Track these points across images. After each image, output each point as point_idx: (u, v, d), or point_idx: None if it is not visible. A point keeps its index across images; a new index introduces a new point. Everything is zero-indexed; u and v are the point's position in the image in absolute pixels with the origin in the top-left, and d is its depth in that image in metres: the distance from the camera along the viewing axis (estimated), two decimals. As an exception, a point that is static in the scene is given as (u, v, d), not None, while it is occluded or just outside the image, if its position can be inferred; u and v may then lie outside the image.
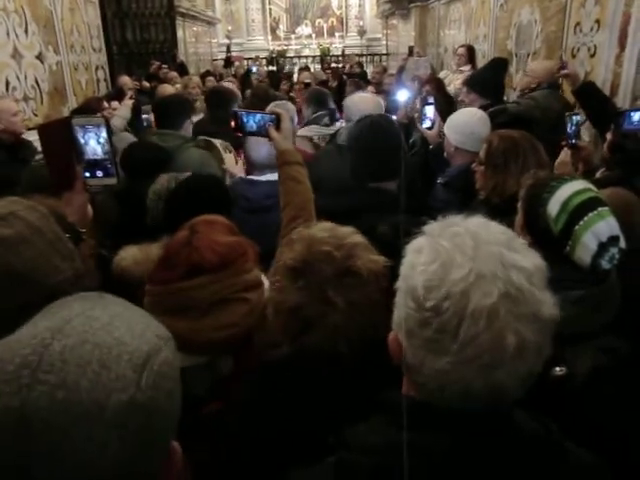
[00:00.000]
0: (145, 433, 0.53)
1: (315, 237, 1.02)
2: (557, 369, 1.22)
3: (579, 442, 0.79)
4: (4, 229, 0.89)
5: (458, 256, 0.65)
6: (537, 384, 1.21)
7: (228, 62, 8.95)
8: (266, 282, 1.22)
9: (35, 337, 0.53)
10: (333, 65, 10.15)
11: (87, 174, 1.35)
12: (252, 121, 1.68)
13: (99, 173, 1.35)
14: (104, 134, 1.33)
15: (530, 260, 0.67)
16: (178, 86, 5.11)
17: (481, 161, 1.99)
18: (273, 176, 1.87)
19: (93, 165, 1.34)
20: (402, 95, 3.49)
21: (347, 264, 0.97)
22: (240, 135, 1.81)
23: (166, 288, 1.11)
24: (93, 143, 1.32)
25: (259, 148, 2.11)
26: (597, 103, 2.66)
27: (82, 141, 1.32)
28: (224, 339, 1.10)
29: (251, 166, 2.28)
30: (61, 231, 1.00)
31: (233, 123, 1.71)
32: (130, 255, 1.45)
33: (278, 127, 1.65)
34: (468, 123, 2.48)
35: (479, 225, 0.70)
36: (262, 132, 1.67)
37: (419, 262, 0.68)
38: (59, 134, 1.31)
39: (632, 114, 1.98)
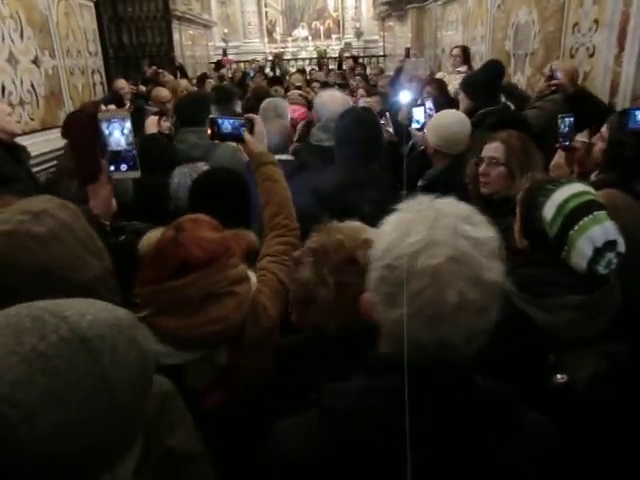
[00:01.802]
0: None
1: (337, 228, 1.17)
2: (559, 376, 1.20)
3: (581, 446, 0.82)
4: (36, 226, 0.90)
5: (417, 226, 0.76)
6: (539, 391, 1.21)
7: (219, 65, 8.91)
8: (253, 277, 1.29)
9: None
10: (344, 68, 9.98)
11: (112, 167, 1.38)
12: (227, 126, 1.78)
13: (123, 167, 1.39)
14: (128, 125, 1.35)
15: (482, 232, 0.77)
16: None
17: (498, 161, 1.95)
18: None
19: (117, 158, 1.37)
20: (404, 96, 3.48)
21: (352, 254, 1.09)
22: (216, 141, 1.93)
23: (157, 288, 1.14)
24: (117, 134, 1.35)
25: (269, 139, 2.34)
26: (590, 108, 2.64)
27: (107, 132, 1.35)
28: (217, 332, 1.15)
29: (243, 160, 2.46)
30: (91, 229, 1.03)
31: (209, 130, 1.79)
32: (155, 236, 1.51)
33: (252, 131, 1.76)
34: (446, 125, 2.47)
35: (445, 202, 0.81)
36: (237, 136, 1.78)
37: (385, 231, 0.81)
38: (86, 127, 1.35)
39: (636, 113, 1.92)
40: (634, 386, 1.14)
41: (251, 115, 1.84)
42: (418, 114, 3.05)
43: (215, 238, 1.21)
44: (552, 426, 0.84)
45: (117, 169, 1.39)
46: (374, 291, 0.81)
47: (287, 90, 6.62)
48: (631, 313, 1.28)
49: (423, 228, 0.75)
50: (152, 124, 3.14)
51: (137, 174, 1.42)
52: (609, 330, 1.25)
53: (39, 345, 0.56)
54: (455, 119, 2.50)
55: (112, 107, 3.76)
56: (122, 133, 1.36)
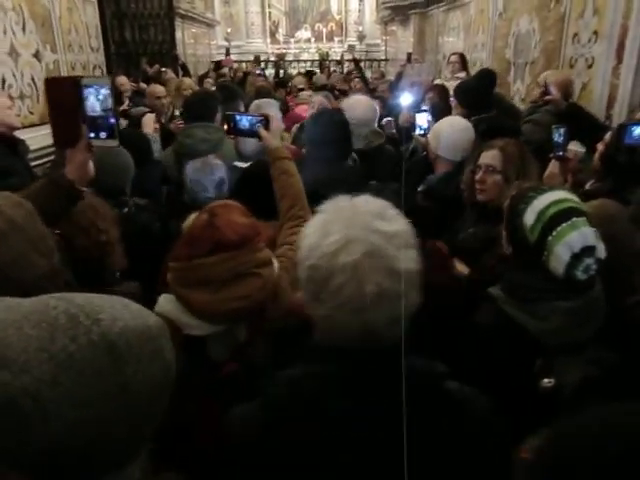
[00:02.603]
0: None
1: None
2: (546, 381, 1.22)
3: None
4: None
5: (335, 225, 0.83)
6: (527, 395, 1.22)
7: (218, 66, 8.87)
8: (275, 262, 1.38)
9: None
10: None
11: (92, 134, 1.37)
12: (244, 122, 1.88)
13: (102, 134, 1.38)
14: (104, 91, 1.34)
15: (393, 226, 0.83)
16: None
17: (495, 169, 1.96)
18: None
19: (95, 124, 1.36)
20: (405, 99, 3.50)
21: None
22: (233, 137, 2.05)
23: (189, 264, 1.22)
24: (92, 99, 1.34)
25: (246, 142, 2.62)
26: (584, 122, 2.66)
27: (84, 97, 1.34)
28: (240, 309, 1.23)
29: (240, 156, 2.70)
30: (45, 229, 1.04)
31: (226, 125, 1.90)
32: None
33: (267, 127, 1.84)
34: (450, 132, 2.48)
35: (362, 200, 0.88)
36: (253, 132, 1.86)
37: (308, 232, 0.87)
38: (67, 91, 1.32)
39: (632, 128, 1.92)
40: (621, 392, 1.16)
41: (267, 112, 1.94)
42: (421, 120, 3.06)
43: (247, 223, 1.31)
44: (482, 401, 0.89)
45: (97, 136, 1.38)
46: (304, 291, 0.88)
47: (289, 93, 6.64)
48: (619, 319, 1.30)
49: (341, 227, 0.82)
50: (149, 122, 3.16)
51: (115, 143, 1.40)
52: (597, 336, 1.27)
53: (70, 346, 0.57)
54: (458, 126, 2.51)
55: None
56: (97, 99, 1.34)
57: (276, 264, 1.38)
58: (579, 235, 1.23)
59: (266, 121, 1.84)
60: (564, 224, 1.24)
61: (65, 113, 1.34)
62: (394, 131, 3.52)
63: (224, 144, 2.77)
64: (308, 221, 1.07)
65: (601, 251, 1.24)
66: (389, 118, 3.73)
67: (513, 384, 1.19)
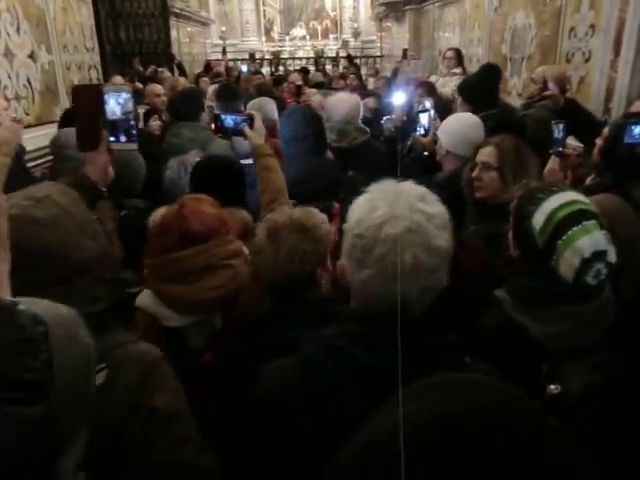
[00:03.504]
0: None
1: (285, 209, 1.50)
2: (552, 387, 1.19)
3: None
4: (39, 210, 1.00)
5: (381, 203, 0.93)
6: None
7: (207, 68, 8.75)
8: (246, 251, 1.45)
9: None
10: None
11: (112, 138, 1.44)
12: (229, 122, 1.99)
13: (122, 138, 1.45)
14: (124, 95, 1.41)
15: (434, 208, 0.94)
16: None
17: (490, 166, 1.95)
18: (248, 161, 2.32)
19: (115, 128, 1.43)
20: (398, 98, 3.49)
21: (300, 222, 1.37)
22: (220, 136, 2.12)
23: (162, 259, 1.29)
24: (112, 103, 1.41)
25: (241, 142, 2.57)
26: (581, 119, 2.65)
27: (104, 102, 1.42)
28: (213, 299, 1.30)
29: (236, 155, 2.74)
30: (90, 214, 1.13)
31: (214, 125, 2.01)
32: (160, 213, 1.69)
33: (252, 126, 1.95)
34: (460, 127, 2.47)
35: (405, 184, 0.98)
36: (238, 131, 1.99)
37: (356, 207, 0.97)
38: (91, 97, 1.40)
39: (633, 127, 1.87)
40: (627, 398, 1.14)
41: (251, 112, 2.05)
42: (424, 120, 3.01)
43: (214, 214, 1.37)
44: (489, 369, 0.98)
45: (117, 140, 1.44)
46: (347, 257, 0.97)
47: (285, 90, 6.60)
48: (625, 323, 1.27)
49: (386, 205, 0.92)
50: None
51: (134, 146, 1.47)
52: (603, 341, 1.24)
53: None
54: (471, 122, 2.51)
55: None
56: (117, 102, 1.40)
57: (246, 252, 1.45)
58: (590, 239, 1.20)
59: (250, 120, 1.96)
60: (574, 228, 1.21)
61: (88, 118, 1.40)
62: (393, 129, 3.50)
63: (211, 143, 2.75)
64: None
65: (612, 255, 1.21)
66: (389, 116, 3.70)
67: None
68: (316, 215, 1.43)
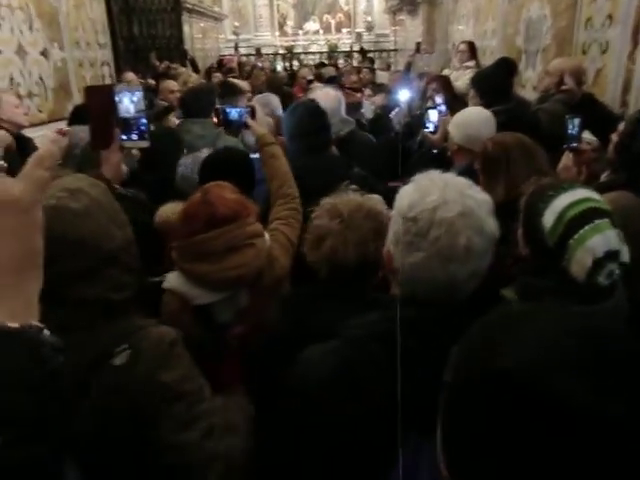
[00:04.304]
0: None
1: (341, 197, 1.46)
2: None
3: (589, 463, 0.79)
4: (73, 202, 1.03)
5: (432, 189, 0.97)
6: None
7: (220, 65, 8.76)
8: (266, 234, 1.54)
9: None
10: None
11: (123, 136, 1.48)
12: (233, 114, 2.07)
13: (134, 136, 1.49)
14: (138, 94, 1.46)
15: (481, 196, 0.99)
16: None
17: (477, 166, 1.96)
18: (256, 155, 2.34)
19: (127, 126, 1.47)
20: (403, 95, 3.45)
21: (359, 203, 1.40)
22: (223, 128, 2.19)
23: (189, 241, 1.37)
24: (126, 101, 1.45)
25: (250, 135, 2.57)
26: (597, 113, 2.58)
27: (117, 100, 1.46)
28: (238, 277, 1.38)
29: (247, 148, 2.74)
30: (118, 205, 1.17)
31: (216, 118, 2.09)
32: (169, 208, 1.80)
33: (253, 117, 2.05)
34: (473, 122, 2.44)
35: (449, 175, 1.04)
36: (241, 123, 2.06)
37: (406, 193, 1.00)
38: (103, 97, 1.44)
39: None
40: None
41: (252, 103, 2.22)
42: (433, 116, 2.99)
43: (236, 198, 1.45)
44: None
45: (128, 138, 1.48)
46: (395, 243, 0.99)
47: (295, 84, 6.58)
48: (638, 322, 1.24)
49: (437, 190, 0.95)
50: None
51: (146, 144, 1.51)
52: None
53: None
54: (482, 116, 2.48)
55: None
56: (131, 101, 1.44)
57: (267, 236, 1.54)
58: (602, 239, 1.16)
59: (252, 111, 2.06)
60: (586, 227, 1.17)
61: (101, 118, 1.44)
62: (398, 126, 3.46)
63: (221, 140, 2.75)
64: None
65: (625, 254, 1.17)
66: (396, 110, 3.66)
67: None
68: (379, 202, 1.47)
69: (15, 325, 0.49)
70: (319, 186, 1.99)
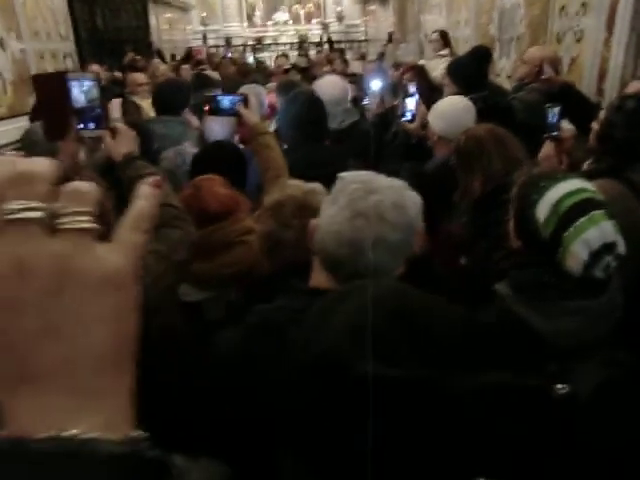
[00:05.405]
0: None
1: (285, 187, 1.39)
2: (559, 387, 1.13)
3: (586, 459, 0.84)
4: None
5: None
6: (539, 403, 1.13)
7: (189, 56, 8.53)
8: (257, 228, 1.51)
9: None
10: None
11: (81, 125, 1.42)
12: (225, 102, 1.99)
13: (91, 125, 1.43)
14: (87, 84, 1.39)
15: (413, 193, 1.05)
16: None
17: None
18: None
19: (82, 116, 1.42)
20: (375, 84, 3.37)
21: (304, 201, 1.30)
22: (214, 116, 2.12)
23: None
24: (76, 92, 1.39)
25: (212, 130, 2.54)
26: (575, 101, 2.57)
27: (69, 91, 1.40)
28: (229, 275, 1.38)
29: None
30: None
31: (207, 107, 2.02)
32: None
33: (246, 105, 1.97)
34: (452, 111, 2.40)
35: (368, 174, 1.06)
36: (234, 111, 1.97)
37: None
38: (55, 85, 1.37)
39: None
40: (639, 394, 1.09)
41: (244, 92, 2.11)
42: (411, 105, 2.95)
43: (228, 193, 1.45)
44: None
45: (85, 127, 1.43)
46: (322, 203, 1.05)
47: (271, 74, 6.43)
48: (634, 317, 1.21)
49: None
50: (116, 107, 3.01)
51: (104, 133, 1.50)
52: (612, 336, 1.18)
53: None
54: (462, 105, 2.44)
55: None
56: (81, 91, 1.39)
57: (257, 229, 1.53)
58: (598, 231, 1.13)
59: (245, 100, 1.97)
60: (581, 219, 1.14)
61: (54, 107, 1.38)
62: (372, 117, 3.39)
63: (186, 138, 2.64)
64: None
65: (621, 246, 1.14)
66: (366, 101, 3.61)
67: (524, 390, 1.11)
68: (319, 194, 1.41)
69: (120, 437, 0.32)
70: (317, 178, 1.94)
